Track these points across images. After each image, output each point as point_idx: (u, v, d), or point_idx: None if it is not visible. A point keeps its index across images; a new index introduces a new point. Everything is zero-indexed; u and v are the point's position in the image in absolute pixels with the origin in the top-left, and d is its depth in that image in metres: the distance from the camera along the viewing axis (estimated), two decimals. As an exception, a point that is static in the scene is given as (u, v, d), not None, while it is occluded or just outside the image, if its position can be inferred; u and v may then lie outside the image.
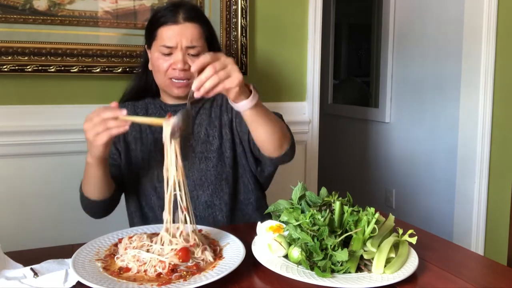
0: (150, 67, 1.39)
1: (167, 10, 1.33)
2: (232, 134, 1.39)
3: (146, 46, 1.41)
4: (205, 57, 0.97)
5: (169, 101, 1.41)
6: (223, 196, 1.35)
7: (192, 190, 1.33)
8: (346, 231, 0.96)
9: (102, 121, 1.03)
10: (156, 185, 1.34)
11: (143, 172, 1.36)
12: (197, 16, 1.35)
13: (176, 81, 1.32)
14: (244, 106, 1.07)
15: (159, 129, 1.35)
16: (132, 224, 1.40)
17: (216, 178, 1.34)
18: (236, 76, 0.99)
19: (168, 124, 0.98)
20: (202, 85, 0.97)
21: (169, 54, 1.31)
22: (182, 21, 1.30)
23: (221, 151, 1.37)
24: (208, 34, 1.37)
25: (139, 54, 1.71)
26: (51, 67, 1.60)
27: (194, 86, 0.97)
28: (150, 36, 1.36)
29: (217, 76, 0.97)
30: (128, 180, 1.39)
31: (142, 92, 1.45)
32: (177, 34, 1.30)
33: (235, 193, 1.39)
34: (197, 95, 0.98)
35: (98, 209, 1.31)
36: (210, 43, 1.38)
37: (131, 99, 1.47)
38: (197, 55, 1.32)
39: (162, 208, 1.30)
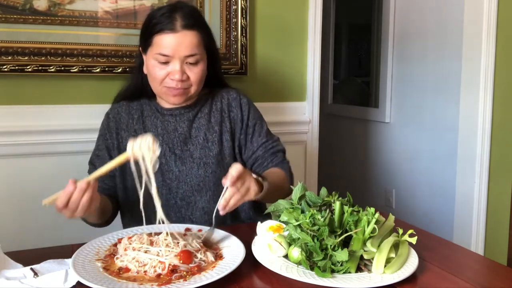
0: (145, 70, 1.35)
1: (163, 16, 1.26)
2: (233, 142, 1.38)
3: (140, 49, 1.35)
4: (231, 178, 1.03)
5: (166, 105, 1.38)
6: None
7: (189, 196, 1.31)
8: (346, 231, 0.96)
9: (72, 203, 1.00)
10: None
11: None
12: (196, 23, 1.28)
13: (173, 89, 1.29)
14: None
15: (155, 133, 1.35)
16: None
17: (215, 184, 1.32)
18: (253, 189, 1.10)
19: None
20: (227, 204, 1.05)
21: (166, 63, 1.26)
22: (180, 29, 1.24)
23: (221, 157, 1.35)
24: (207, 40, 1.32)
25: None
26: (51, 67, 1.60)
27: (220, 206, 1.05)
28: (145, 42, 1.30)
29: (239, 193, 1.07)
30: (124, 188, 1.35)
31: (137, 93, 1.41)
32: (175, 43, 1.24)
33: None
34: (222, 213, 1.05)
35: (100, 226, 1.31)
36: (209, 49, 1.33)
37: (125, 99, 1.43)
38: (195, 63, 1.28)
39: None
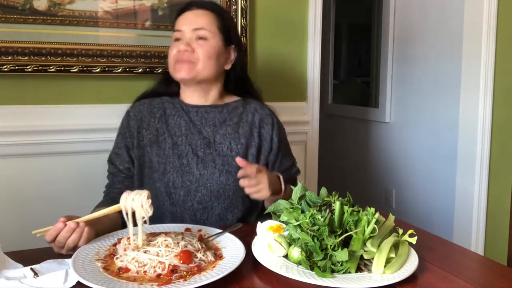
0: None
1: (184, 5, 1.38)
2: (258, 158, 1.38)
3: None
4: (245, 170, 1.18)
5: (189, 100, 1.39)
6: (237, 213, 1.32)
7: (207, 200, 1.30)
8: (346, 231, 0.96)
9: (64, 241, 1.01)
10: (171, 191, 1.30)
11: (158, 176, 1.31)
12: (211, 6, 1.37)
13: (180, 63, 1.31)
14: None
15: (178, 133, 1.34)
16: None
17: (234, 194, 1.31)
18: (264, 193, 1.20)
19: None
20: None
21: (179, 40, 1.32)
22: (195, 8, 1.34)
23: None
24: (223, 25, 1.35)
25: (139, 54, 1.71)
26: (51, 67, 1.60)
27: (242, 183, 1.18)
28: (172, 32, 1.38)
29: (249, 189, 1.19)
30: (140, 184, 1.34)
31: (161, 90, 1.43)
32: (186, 19, 1.33)
33: (248, 210, 1.36)
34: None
35: None
36: (226, 34, 1.36)
37: (147, 96, 1.43)
38: (204, 39, 1.31)
39: (173, 216, 1.28)
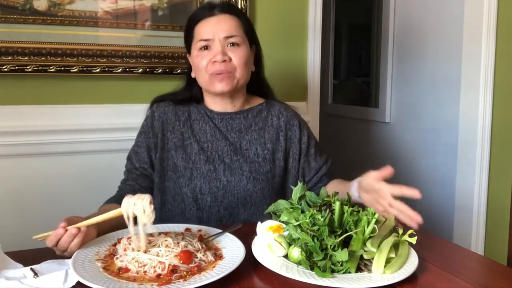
0: (193, 75, 1.35)
1: (202, 8, 1.34)
2: (286, 163, 1.36)
3: (187, 55, 1.37)
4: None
5: (215, 107, 1.36)
6: (262, 219, 1.31)
7: (234, 207, 1.29)
8: (346, 231, 0.96)
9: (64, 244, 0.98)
10: (198, 197, 1.28)
11: (184, 181, 1.29)
12: (233, 8, 1.34)
13: (218, 74, 1.26)
14: None
15: (204, 138, 1.33)
16: None
17: (261, 201, 1.30)
18: None
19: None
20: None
21: (208, 49, 1.27)
22: (218, 13, 1.28)
23: (271, 175, 1.33)
24: (247, 28, 1.32)
25: (139, 55, 1.71)
26: (51, 67, 1.60)
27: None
28: (189, 38, 1.33)
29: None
30: (162, 187, 1.32)
31: (187, 99, 1.39)
32: (213, 26, 1.27)
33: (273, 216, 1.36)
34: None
35: None
36: (250, 36, 1.33)
37: (172, 101, 1.39)
38: (237, 45, 1.28)
39: (200, 221, 1.27)
